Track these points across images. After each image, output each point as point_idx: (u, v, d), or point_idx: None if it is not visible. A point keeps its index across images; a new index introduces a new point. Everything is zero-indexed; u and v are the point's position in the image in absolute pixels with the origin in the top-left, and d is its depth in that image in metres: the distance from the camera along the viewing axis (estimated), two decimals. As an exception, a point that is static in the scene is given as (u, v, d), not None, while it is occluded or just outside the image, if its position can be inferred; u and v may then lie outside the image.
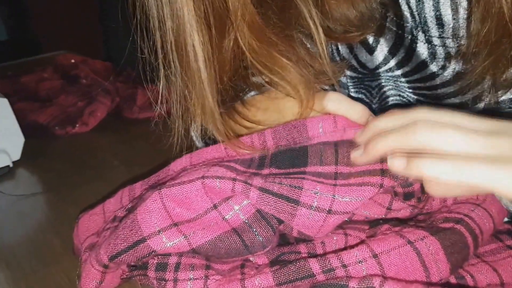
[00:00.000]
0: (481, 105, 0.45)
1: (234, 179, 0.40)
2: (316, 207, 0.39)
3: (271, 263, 0.41)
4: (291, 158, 0.42)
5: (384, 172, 0.39)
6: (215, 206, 0.40)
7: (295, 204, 0.39)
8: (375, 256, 0.35)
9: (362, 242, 0.38)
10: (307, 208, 0.38)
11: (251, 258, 0.41)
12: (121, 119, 0.93)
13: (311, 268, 0.36)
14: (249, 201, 0.40)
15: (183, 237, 0.39)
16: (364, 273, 0.35)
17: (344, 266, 0.35)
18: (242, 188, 0.39)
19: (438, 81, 0.46)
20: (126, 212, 0.46)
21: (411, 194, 0.40)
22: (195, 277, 0.39)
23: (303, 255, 0.41)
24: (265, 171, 0.42)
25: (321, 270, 0.35)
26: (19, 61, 1.44)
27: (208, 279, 0.39)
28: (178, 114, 0.45)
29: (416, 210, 0.42)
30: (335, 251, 0.37)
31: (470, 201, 0.41)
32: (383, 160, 0.39)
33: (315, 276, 0.35)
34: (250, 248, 0.40)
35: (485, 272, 0.37)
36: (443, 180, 0.33)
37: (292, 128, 0.45)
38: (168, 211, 0.40)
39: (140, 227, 0.39)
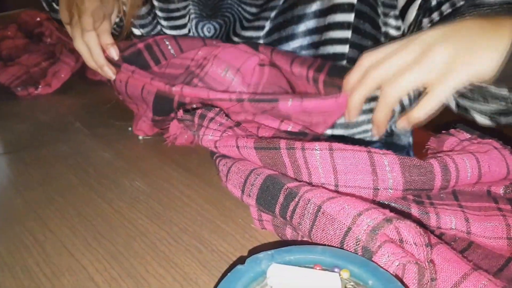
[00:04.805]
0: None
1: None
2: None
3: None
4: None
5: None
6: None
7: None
8: (331, 149, 0.39)
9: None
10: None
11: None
12: (84, 81, 0.93)
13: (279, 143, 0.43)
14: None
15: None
16: (317, 157, 0.39)
17: (303, 149, 0.40)
18: None
19: None
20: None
21: None
22: (217, 129, 0.51)
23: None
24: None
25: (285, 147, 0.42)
26: (-20, 18, 1.37)
27: (224, 133, 0.50)
28: None
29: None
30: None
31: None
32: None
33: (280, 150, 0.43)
34: None
35: (456, 218, 0.37)
36: None
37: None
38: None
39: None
